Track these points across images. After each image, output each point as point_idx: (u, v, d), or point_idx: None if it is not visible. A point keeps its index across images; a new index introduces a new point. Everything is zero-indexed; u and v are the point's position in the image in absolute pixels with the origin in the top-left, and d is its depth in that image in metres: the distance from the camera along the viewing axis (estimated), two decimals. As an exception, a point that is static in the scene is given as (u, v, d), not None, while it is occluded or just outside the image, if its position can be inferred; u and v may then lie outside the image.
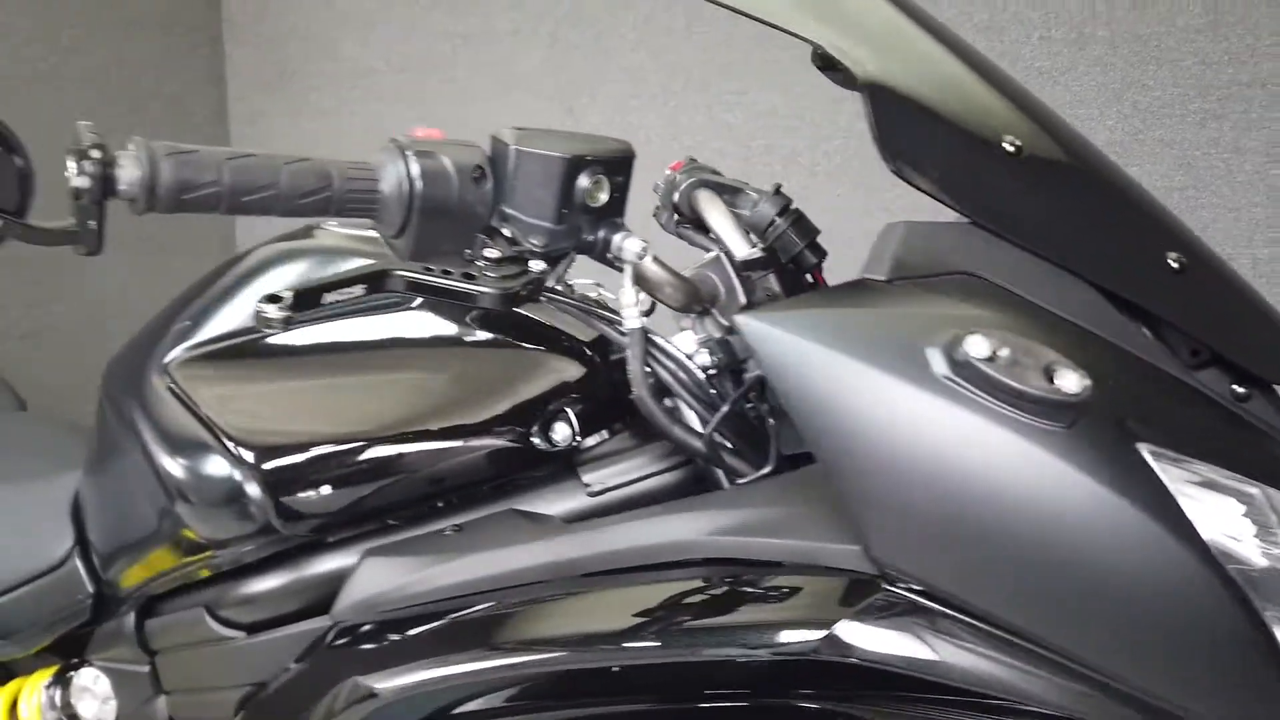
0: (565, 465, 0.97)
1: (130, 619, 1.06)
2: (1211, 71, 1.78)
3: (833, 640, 0.68)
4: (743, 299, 0.86)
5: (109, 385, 1.04)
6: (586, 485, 0.95)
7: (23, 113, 0.91)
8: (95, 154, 0.73)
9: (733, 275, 0.86)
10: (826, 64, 0.95)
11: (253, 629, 0.98)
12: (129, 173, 0.74)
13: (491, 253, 0.84)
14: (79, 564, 1.11)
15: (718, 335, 0.89)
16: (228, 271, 1.01)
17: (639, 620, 0.77)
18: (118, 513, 1.06)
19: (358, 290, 0.86)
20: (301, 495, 0.90)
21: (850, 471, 0.68)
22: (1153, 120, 1.83)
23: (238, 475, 0.90)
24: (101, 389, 1.06)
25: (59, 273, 2.35)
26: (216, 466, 0.91)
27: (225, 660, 0.98)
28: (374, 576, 0.88)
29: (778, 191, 0.93)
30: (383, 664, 0.84)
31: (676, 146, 2.19)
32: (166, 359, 0.96)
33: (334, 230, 1.01)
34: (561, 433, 0.94)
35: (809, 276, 0.93)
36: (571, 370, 0.96)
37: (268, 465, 0.90)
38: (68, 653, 1.16)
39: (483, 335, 0.95)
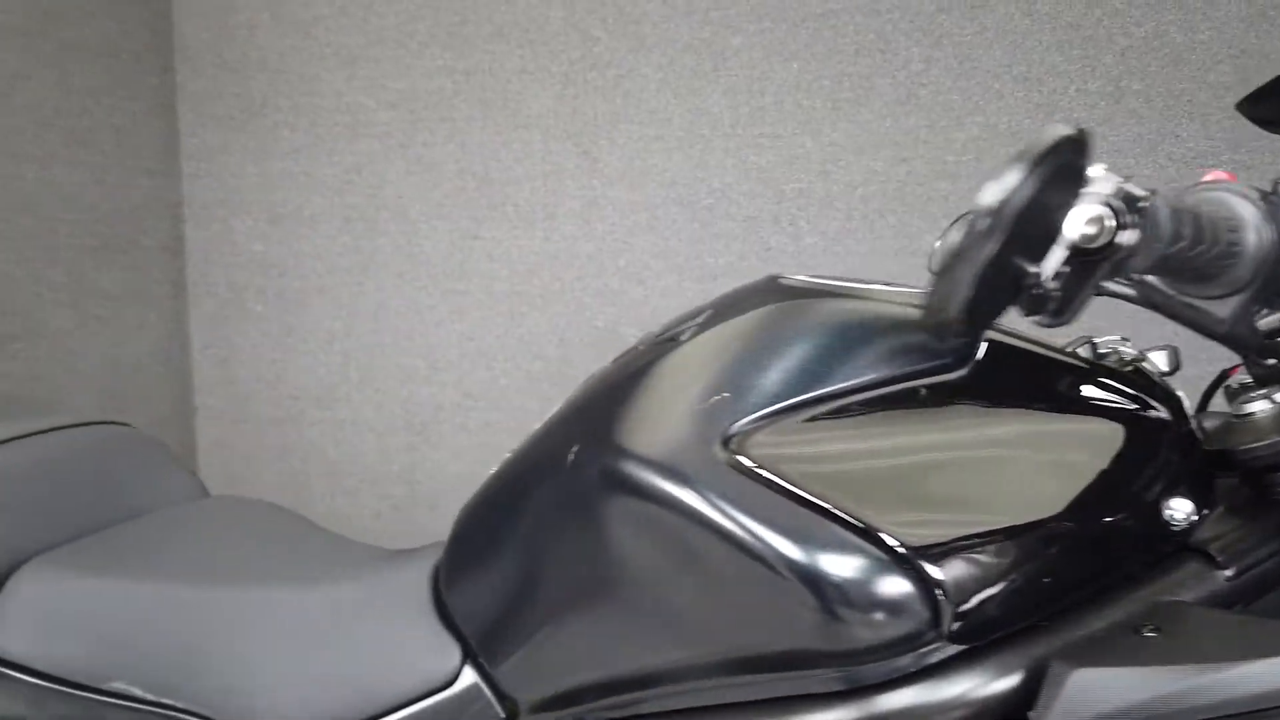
0: (1179, 547, 0.84)
1: None
2: (1241, 125, 1.90)
3: None
4: None
5: (601, 465, 0.85)
6: (1220, 567, 0.83)
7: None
8: (1143, 203, 0.60)
9: None
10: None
11: None
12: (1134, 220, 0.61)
13: None
14: (479, 681, 0.92)
15: None
16: (750, 325, 0.86)
17: None
18: (587, 621, 0.87)
19: None
20: (974, 599, 0.78)
21: None
22: (1186, 170, 1.94)
23: (897, 577, 0.77)
24: (562, 470, 0.88)
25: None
26: (860, 568, 0.77)
27: None
28: (1089, 692, 0.74)
29: None
30: None
31: (704, 190, 2.16)
32: (728, 432, 0.80)
33: (797, 276, 0.90)
34: (1182, 509, 0.82)
35: None
36: (1171, 434, 0.85)
37: (942, 566, 0.78)
38: None
39: (1080, 399, 0.85)
